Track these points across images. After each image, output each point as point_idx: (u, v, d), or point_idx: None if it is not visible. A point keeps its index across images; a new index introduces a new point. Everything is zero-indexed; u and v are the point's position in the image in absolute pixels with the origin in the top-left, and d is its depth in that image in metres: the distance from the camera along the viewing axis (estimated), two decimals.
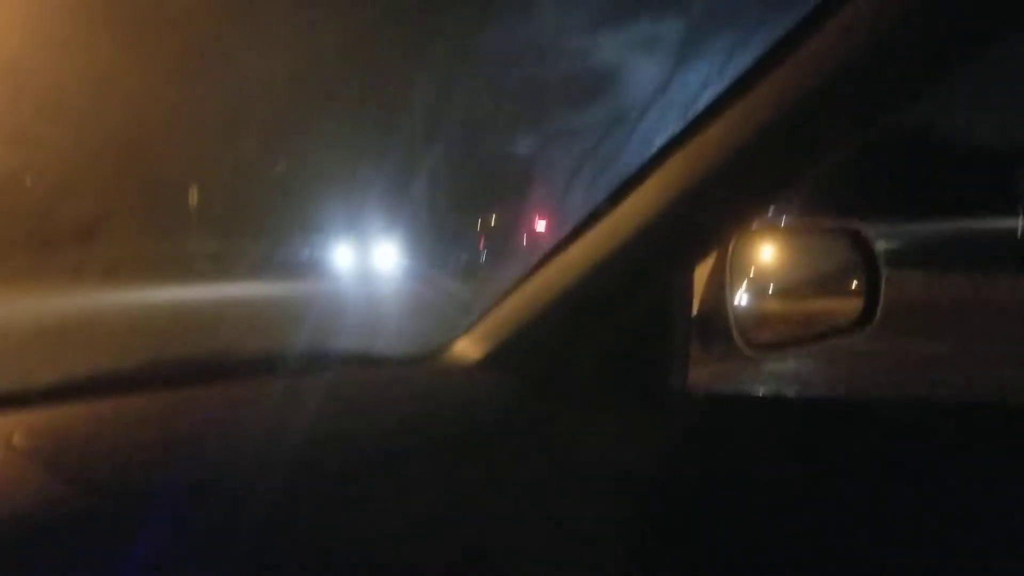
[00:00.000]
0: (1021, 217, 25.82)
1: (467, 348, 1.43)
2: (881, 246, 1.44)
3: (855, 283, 1.46)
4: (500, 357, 1.37)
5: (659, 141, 1.21)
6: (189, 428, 1.10)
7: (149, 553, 0.81)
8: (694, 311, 1.32)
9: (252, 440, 1.07)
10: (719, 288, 1.29)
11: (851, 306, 1.45)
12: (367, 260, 18.09)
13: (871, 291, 1.42)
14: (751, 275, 1.37)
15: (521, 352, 1.36)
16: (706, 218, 1.20)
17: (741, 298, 1.33)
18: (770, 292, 1.46)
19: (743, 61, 1.08)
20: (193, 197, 17.35)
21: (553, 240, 1.37)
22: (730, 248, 1.27)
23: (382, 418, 1.22)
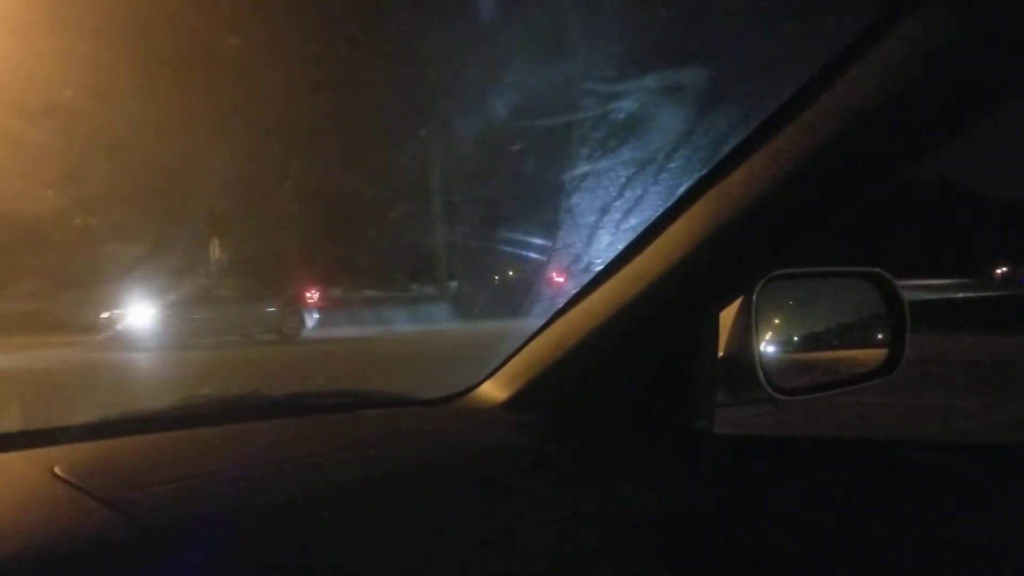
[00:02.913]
0: None
1: (492, 389, 1.44)
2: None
3: (880, 335, 1.46)
4: (525, 399, 1.39)
5: (683, 187, 1.23)
6: (221, 464, 1.12)
7: None
8: (720, 354, 1.33)
9: (283, 476, 1.09)
10: (744, 332, 1.29)
11: (877, 354, 1.44)
12: None
13: (896, 336, 1.42)
14: (776, 320, 1.37)
15: (546, 394, 1.37)
16: (731, 263, 1.21)
17: (766, 342, 1.34)
18: (796, 337, 1.46)
19: (767, 108, 1.10)
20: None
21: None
22: (755, 292, 1.28)
23: (409, 457, 1.23)
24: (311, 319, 16.95)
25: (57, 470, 0.99)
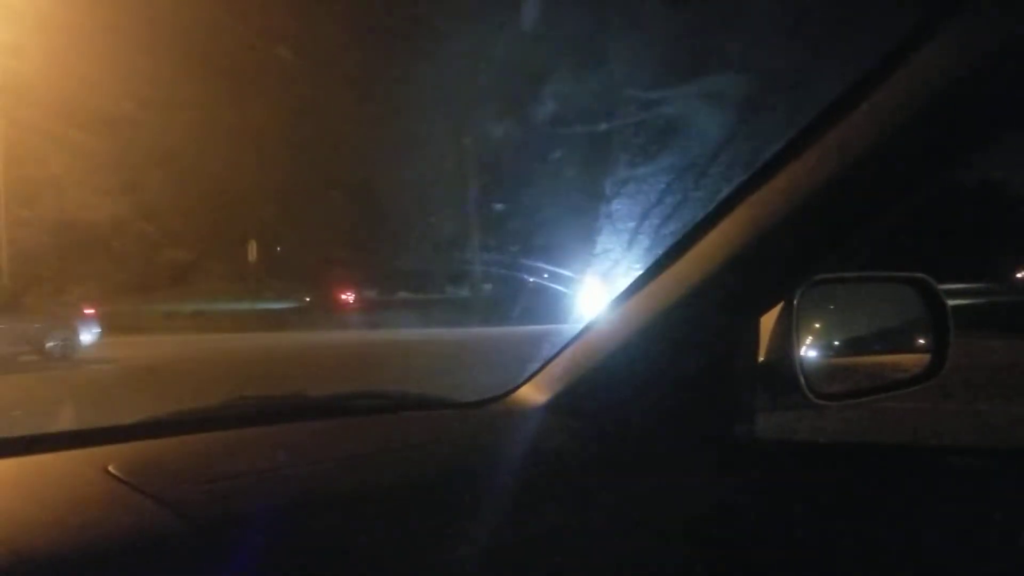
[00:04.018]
0: None
1: (532, 393, 1.45)
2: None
3: (921, 339, 1.44)
4: (565, 402, 1.39)
5: (723, 192, 1.23)
6: (269, 463, 1.14)
7: (232, 572, 0.86)
8: (760, 359, 1.33)
9: (328, 476, 1.11)
10: (785, 337, 1.29)
11: (919, 359, 1.43)
12: None
13: (939, 341, 1.40)
14: (817, 324, 1.37)
15: (585, 397, 1.38)
16: (771, 268, 1.22)
17: (807, 347, 1.33)
18: (836, 342, 1.45)
19: (808, 114, 1.10)
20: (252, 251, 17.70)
21: None
22: (796, 298, 1.28)
23: (451, 459, 1.25)
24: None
25: (111, 468, 1.02)
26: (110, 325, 12.43)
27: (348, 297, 20.89)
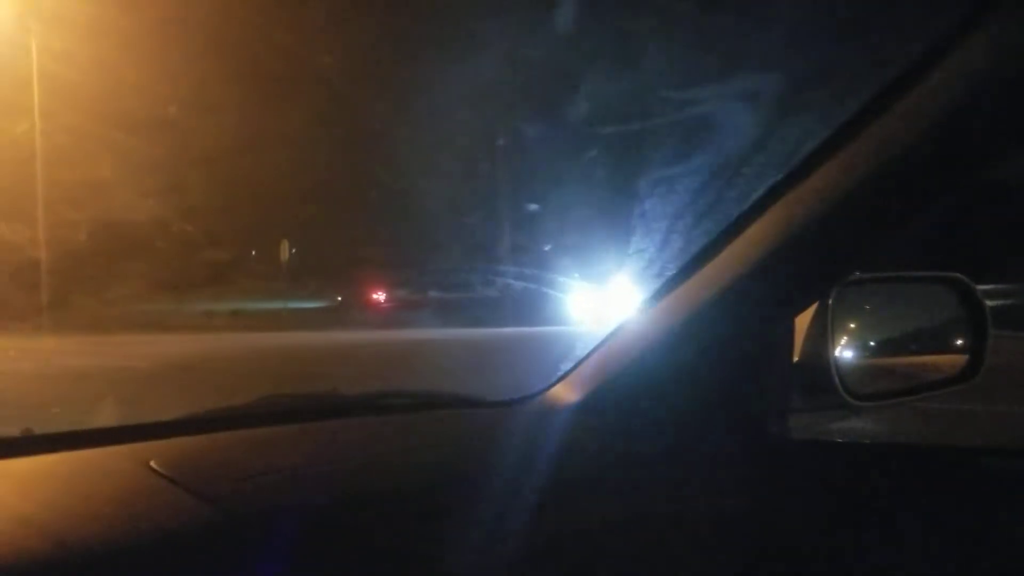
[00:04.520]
0: None
1: (564, 392, 1.45)
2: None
3: (959, 340, 1.43)
4: (598, 401, 1.39)
5: (758, 192, 1.23)
6: (306, 459, 1.16)
7: (271, 567, 0.88)
8: (795, 359, 1.32)
9: (363, 472, 1.12)
10: (820, 337, 1.28)
11: (956, 360, 1.42)
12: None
13: (976, 342, 1.39)
14: (853, 324, 1.36)
15: (619, 397, 1.38)
16: (806, 267, 1.21)
17: (842, 347, 1.32)
18: (872, 342, 1.44)
19: (842, 113, 1.09)
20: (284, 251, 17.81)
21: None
22: (831, 298, 1.27)
23: (484, 456, 1.26)
24: None
25: (153, 464, 1.04)
26: (148, 323, 12.65)
27: (379, 296, 21.00)
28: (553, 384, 1.49)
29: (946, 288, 1.42)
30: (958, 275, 1.40)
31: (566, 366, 1.50)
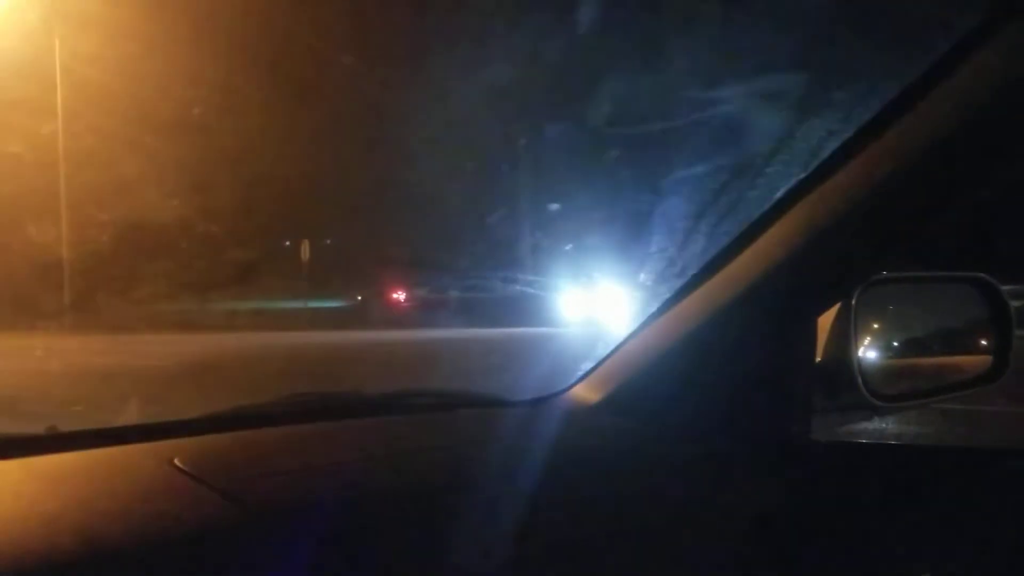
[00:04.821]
0: None
1: (585, 392, 1.45)
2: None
3: (984, 341, 1.42)
4: (619, 401, 1.40)
5: (781, 191, 1.22)
6: (328, 458, 1.17)
7: (295, 563, 0.88)
8: (817, 360, 1.32)
9: (387, 471, 1.13)
10: (843, 338, 1.28)
11: (981, 360, 1.41)
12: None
13: (1001, 343, 1.38)
14: (876, 325, 1.35)
15: (639, 396, 1.38)
16: (830, 267, 1.21)
17: (865, 348, 1.32)
18: (896, 342, 1.43)
19: (865, 113, 1.09)
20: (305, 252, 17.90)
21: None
22: (854, 298, 1.26)
23: (507, 456, 1.26)
24: None
25: (176, 461, 1.05)
26: (172, 323, 12.78)
27: (399, 296, 21.06)
28: (575, 384, 1.49)
29: (971, 288, 1.41)
30: (983, 275, 1.39)
31: (587, 365, 1.50)
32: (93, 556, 0.82)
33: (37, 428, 1.19)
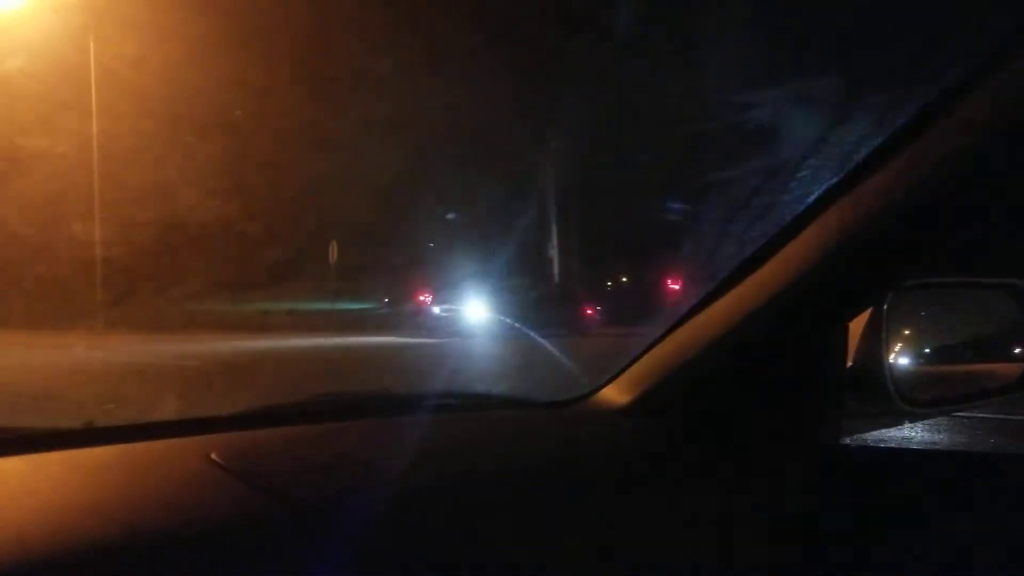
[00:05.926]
0: None
1: (614, 394, 1.46)
2: None
3: (1017, 348, 1.40)
4: (647, 404, 1.40)
5: (813, 195, 1.22)
6: (363, 453, 1.18)
7: (332, 558, 0.90)
8: (848, 365, 1.31)
9: (417, 470, 1.14)
10: (874, 343, 1.27)
11: (1014, 368, 1.39)
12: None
13: None
14: (908, 331, 1.34)
15: (668, 400, 1.38)
16: (861, 272, 1.20)
17: (897, 354, 1.31)
18: (928, 349, 1.42)
19: (899, 117, 1.08)
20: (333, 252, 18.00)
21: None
22: (886, 303, 1.26)
23: (536, 457, 1.27)
24: None
25: (213, 456, 1.07)
26: (206, 322, 12.94)
27: (426, 299, 21.14)
28: (603, 385, 1.49)
29: (1005, 295, 1.39)
30: (1017, 281, 1.38)
31: (615, 367, 1.50)
32: (135, 547, 0.83)
33: (74, 423, 1.21)
